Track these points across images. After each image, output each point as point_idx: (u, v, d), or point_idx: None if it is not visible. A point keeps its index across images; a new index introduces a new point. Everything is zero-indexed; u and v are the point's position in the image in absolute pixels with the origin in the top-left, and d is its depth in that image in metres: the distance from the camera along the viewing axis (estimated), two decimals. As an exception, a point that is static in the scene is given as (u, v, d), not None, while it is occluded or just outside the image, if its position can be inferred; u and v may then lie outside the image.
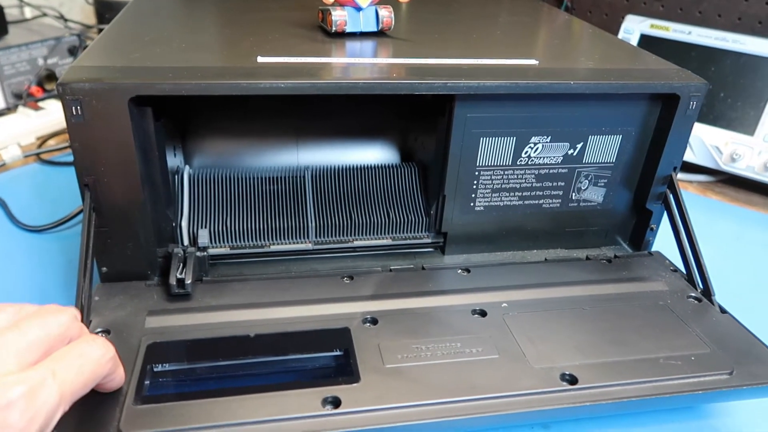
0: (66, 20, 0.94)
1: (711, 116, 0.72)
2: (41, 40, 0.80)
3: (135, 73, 0.37)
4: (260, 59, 0.41)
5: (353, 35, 0.49)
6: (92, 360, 0.29)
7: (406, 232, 0.49)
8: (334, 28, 0.47)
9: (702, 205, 0.71)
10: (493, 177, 0.46)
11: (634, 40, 0.76)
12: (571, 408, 0.34)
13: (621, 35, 0.77)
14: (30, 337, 0.27)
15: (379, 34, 0.49)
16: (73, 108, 0.35)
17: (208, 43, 0.46)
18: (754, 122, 0.69)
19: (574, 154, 0.47)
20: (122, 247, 0.41)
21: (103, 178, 0.38)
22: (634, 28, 0.75)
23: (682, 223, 0.46)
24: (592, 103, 0.44)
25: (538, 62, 0.45)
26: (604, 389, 0.35)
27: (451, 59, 0.44)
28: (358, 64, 0.42)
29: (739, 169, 0.70)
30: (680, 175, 0.76)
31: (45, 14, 0.94)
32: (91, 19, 1.08)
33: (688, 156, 0.73)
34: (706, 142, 0.71)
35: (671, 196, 0.47)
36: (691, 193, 0.74)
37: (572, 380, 0.35)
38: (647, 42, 0.74)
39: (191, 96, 0.37)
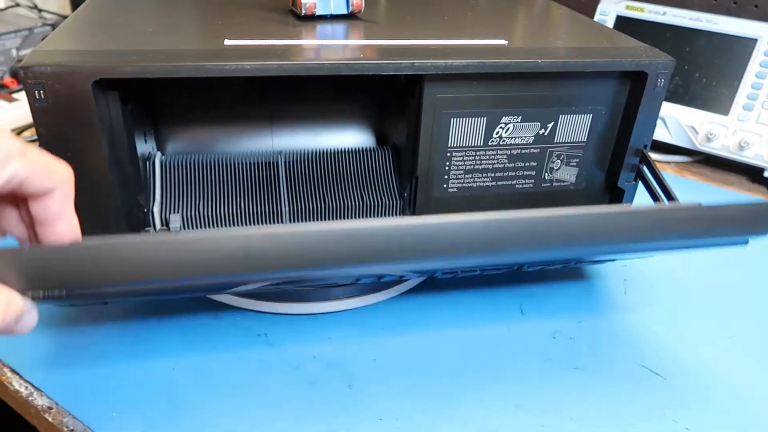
0: (40, 10, 0.93)
1: (686, 96, 0.72)
2: (15, 31, 0.79)
3: (98, 57, 0.37)
4: (227, 42, 0.41)
5: (323, 18, 0.49)
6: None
7: (381, 216, 0.49)
8: (303, 11, 0.47)
9: (679, 185, 0.71)
10: (465, 158, 0.46)
11: (610, 22, 0.76)
12: None
13: (597, 17, 0.77)
14: None
15: (350, 16, 0.49)
16: (36, 92, 0.35)
17: (175, 27, 0.45)
18: (729, 102, 0.69)
19: (545, 133, 0.47)
20: (91, 233, 0.40)
21: (69, 163, 0.38)
22: (609, 9, 0.76)
23: (661, 188, 0.45)
24: (561, 82, 0.44)
25: (507, 42, 0.45)
26: None
27: (421, 40, 0.44)
28: (327, 46, 0.42)
29: (715, 148, 0.71)
30: (658, 156, 0.77)
31: (18, 4, 0.93)
32: (66, 9, 1.07)
33: (665, 137, 0.74)
34: (682, 123, 0.72)
35: (645, 167, 0.47)
36: (669, 173, 0.74)
37: None
38: (623, 23, 0.75)
39: (160, 80, 0.37)
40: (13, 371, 0.41)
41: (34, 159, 0.27)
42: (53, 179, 0.28)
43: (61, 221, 0.29)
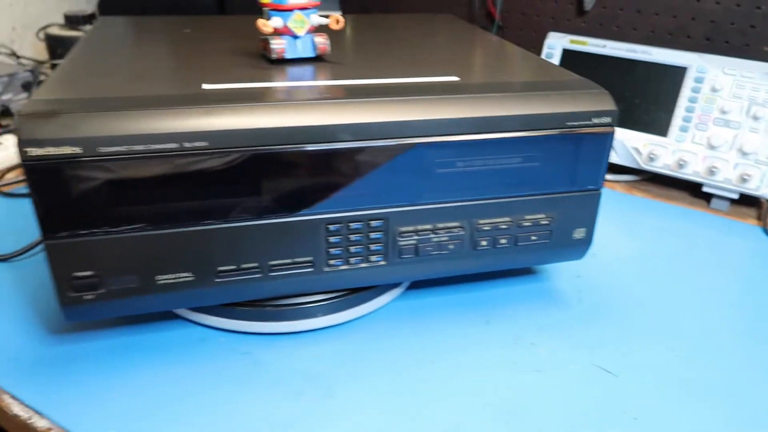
0: (18, 57, 0.96)
1: (629, 121, 0.79)
2: (-5, 78, 0.83)
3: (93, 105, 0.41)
4: (204, 86, 0.45)
5: (293, 61, 0.53)
6: None
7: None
8: (274, 56, 0.52)
9: (628, 203, 0.77)
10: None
11: (557, 55, 0.82)
12: None
13: (545, 51, 0.83)
14: None
15: (317, 59, 0.54)
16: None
17: (155, 73, 0.49)
18: (666, 125, 0.76)
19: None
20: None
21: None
22: (556, 44, 0.82)
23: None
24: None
25: (459, 79, 0.50)
26: None
27: (379, 79, 0.49)
28: (297, 87, 0.47)
29: (658, 167, 0.77)
30: (608, 176, 0.83)
31: (-3, 52, 0.96)
32: (43, 54, 1.11)
33: (613, 158, 0.80)
34: (627, 145, 0.78)
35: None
36: (619, 192, 0.80)
37: None
38: (568, 56, 0.81)
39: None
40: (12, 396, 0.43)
41: None
42: None
43: None
